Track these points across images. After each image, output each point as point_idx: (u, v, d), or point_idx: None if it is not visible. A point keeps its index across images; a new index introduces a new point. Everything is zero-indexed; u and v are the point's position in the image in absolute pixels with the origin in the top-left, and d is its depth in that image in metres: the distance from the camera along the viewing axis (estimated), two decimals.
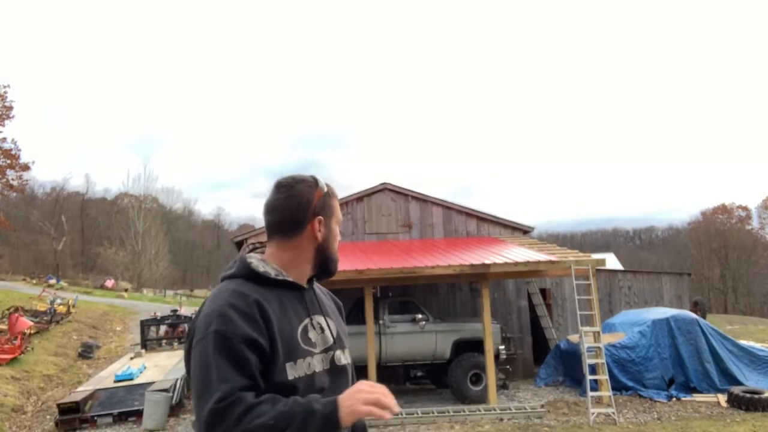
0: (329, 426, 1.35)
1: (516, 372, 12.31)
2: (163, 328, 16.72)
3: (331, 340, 1.65)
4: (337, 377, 1.64)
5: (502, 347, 10.99)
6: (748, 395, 9.25)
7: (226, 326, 1.45)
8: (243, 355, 1.43)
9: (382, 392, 1.40)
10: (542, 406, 9.57)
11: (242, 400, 1.36)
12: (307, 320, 1.62)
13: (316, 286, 1.81)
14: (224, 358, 1.42)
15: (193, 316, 1.65)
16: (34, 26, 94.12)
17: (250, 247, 1.77)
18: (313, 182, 1.71)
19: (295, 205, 1.66)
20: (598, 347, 9.44)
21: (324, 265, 1.71)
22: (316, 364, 1.58)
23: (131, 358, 13.42)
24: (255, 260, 1.65)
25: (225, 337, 1.44)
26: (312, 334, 1.61)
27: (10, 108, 30.87)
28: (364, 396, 1.38)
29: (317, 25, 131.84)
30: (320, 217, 1.68)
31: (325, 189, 1.71)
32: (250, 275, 1.62)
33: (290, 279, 1.65)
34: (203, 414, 1.37)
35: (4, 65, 75.17)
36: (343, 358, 1.69)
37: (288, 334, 1.54)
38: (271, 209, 1.69)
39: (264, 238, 1.78)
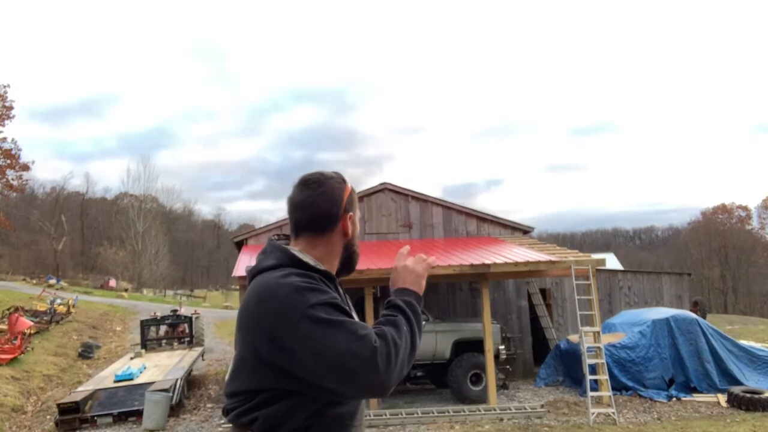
0: (420, 302, 1.64)
1: (516, 372, 12.31)
2: (163, 328, 16.73)
3: None
4: None
5: (502, 347, 11.00)
6: (748, 395, 9.25)
7: (321, 296, 1.47)
8: (347, 311, 1.51)
9: (419, 259, 1.71)
10: (542, 406, 9.57)
11: (388, 330, 1.48)
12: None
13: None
14: (342, 316, 1.46)
15: (247, 313, 1.54)
16: (34, 26, 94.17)
17: (276, 237, 1.73)
18: (341, 179, 1.72)
19: (328, 201, 1.66)
20: (598, 347, 9.44)
21: (350, 260, 1.74)
22: None
23: (131, 358, 13.42)
24: (296, 251, 1.63)
25: (328, 304, 1.46)
26: None
27: (10, 108, 30.96)
28: (419, 266, 1.69)
29: (315, 22, 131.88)
30: (350, 213, 1.70)
31: (351, 186, 1.74)
32: (296, 263, 1.59)
33: (329, 270, 1.66)
34: (370, 362, 1.37)
35: (4, 65, 75.18)
36: None
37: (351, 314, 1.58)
38: (300, 206, 1.66)
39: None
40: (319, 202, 1.65)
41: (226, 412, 1.62)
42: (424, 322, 8.11)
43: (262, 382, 1.49)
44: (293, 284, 1.47)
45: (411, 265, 1.69)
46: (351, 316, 1.49)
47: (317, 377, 1.41)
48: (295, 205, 1.67)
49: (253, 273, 1.62)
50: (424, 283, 1.68)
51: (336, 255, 1.69)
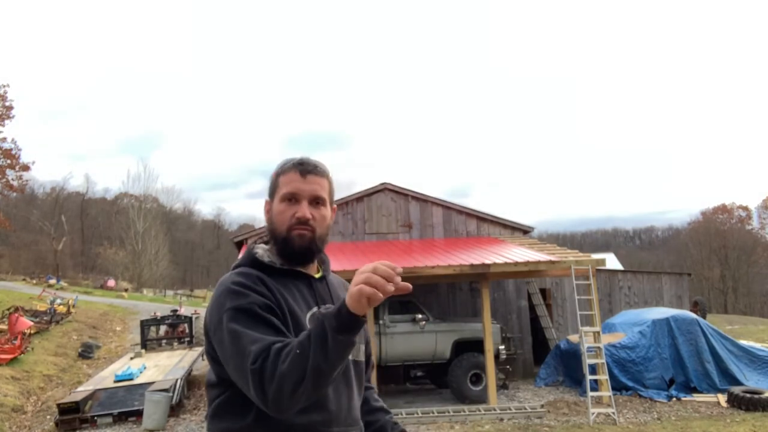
0: (343, 320, 1.28)
1: (516, 372, 12.30)
2: (163, 328, 16.72)
3: None
4: (347, 372, 1.61)
5: (502, 347, 10.99)
6: (748, 395, 9.25)
7: (239, 300, 1.46)
8: (263, 317, 1.44)
9: (375, 267, 1.29)
10: (542, 406, 9.56)
11: (273, 350, 1.34)
12: (315, 309, 1.59)
13: (334, 277, 1.79)
14: (247, 325, 1.41)
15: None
16: (34, 26, 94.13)
17: (257, 240, 1.75)
18: (278, 165, 1.69)
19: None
20: (598, 347, 9.44)
21: (279, 247, 1.62)
22: None
23: (131, 358, 13.42)
24: (261, 250, 1.65)
25: (241, 310, 1.44)
26: None
27: (10, 108, 30.90)
28: (358, 278, 1.28)
29: (315, 26, 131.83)
30: (267, 199, 1.68)
31: (279, 169, 1.65)
32: (254, 263, 1.61)
33: (295, 268, 1.63)
34: (249, 382, 1.34)
35: (4, 65, 75.18)
36: (354, 354, 1.65)
37: (297, 315, 1.53)
38: None
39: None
40: None
41: None
42: (423, 322, 8.02)
43: (214, 374, 1.56)
44: (225, 286, 1.52)
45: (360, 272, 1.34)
46: (265, 321, 1.42)
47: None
48: None
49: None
50: (357, 299, 1.27)
51: (272, 242, 1.65)
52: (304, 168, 1.62)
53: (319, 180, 1.63)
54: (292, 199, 1.60)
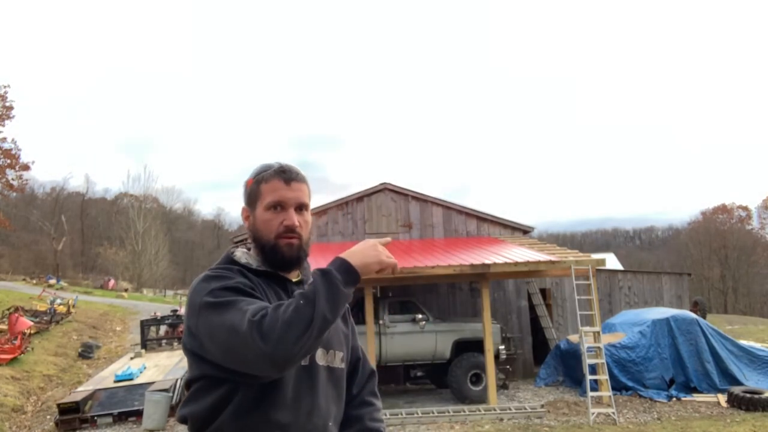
0: (351, 275, 1.40)
1: (516, 372, 12.31)
2: (163, 328, 16.73)
3: None
4: (313, 376, 1.57)
5: (502, 347, 10.99)
6: (748, 395, 9.25)
7: (223, 282, 1.48)
8: (251, 293, 1.46)
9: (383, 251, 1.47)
10: (542, 406, 9.57)
11: (271, 307, 1.35)
12: None
13: None
14: (236, 296, 1.43)
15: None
16: (34, 26, 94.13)
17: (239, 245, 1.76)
18: (253, 173, 1.69)
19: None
20: (598, 347, 9.44)
21: (266, 255, 1.62)
22: None
23: (131, 358, 13.42)
24: (239, 252, 1.66)
25: (227, 288, 1.46)
26: None
27: (11, 108, 30.85)
28: (372, 251, 1.46)
29: (314, 26, 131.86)
30: (244, 206, 1.69)
31: (259, 176, 1.66)
32: (227, 261, 1.63)
33: (270, 270, 1.62)
34: (248, 337, 1.30)
35: (4, 65, 75.20)
36: (324, 359, 1.61)
37: None
38: None
39: None
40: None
41: None
42: (423, 322, 8.01)
43: (193, 371, 1.55)
44: (202, 276, 1.54)
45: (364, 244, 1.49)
46: (247, 293, 1.45)
47: (217, 358, 1.43)
48: None
49: None
50: (367, 258, 1.44)
51: (257, 249, 1.65)
52: (288, 176, 1.63)
53: (302, 186, 1.65)
54: (278, 207, 1.61)
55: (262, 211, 1.62)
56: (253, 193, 1.65)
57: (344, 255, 1.44)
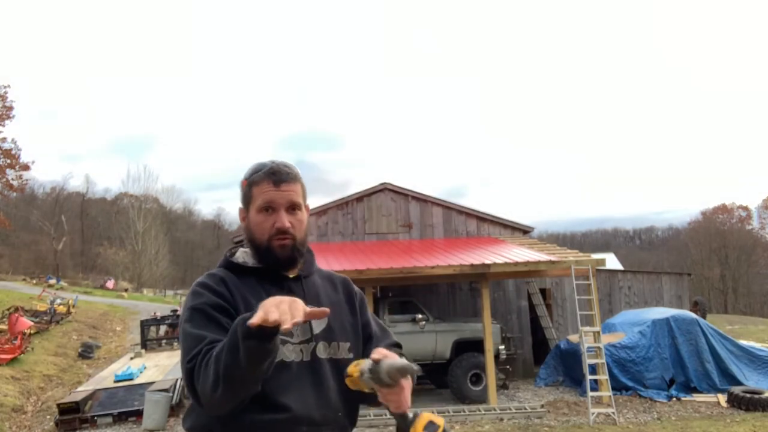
0: (247, 328, 1.22)
1: (516, 372, 12.31)
2: (163, 328, 16.74)
3: (309, 333, 1.61)
4: (317, 370, 1.59)
5: (502, 347, 10.99)
6: (748, 395, 9.25)
7: (195, 300, 1.54)
8: (212, 316, 1.49)
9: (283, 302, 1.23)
10: (542, 406, 9.57)
11: (204, 351, 1.39)
12: None
13: (322, 277, 1.79)
14: (196, 325, 1.48)
15: None
16: (33, 26, 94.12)
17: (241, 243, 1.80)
18: (247, 173, 1.70)
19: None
20: (598, 347, 9.44)
21: (261, 256, 1.64)
22: (289, 353, 1.55)
23: (131, 358, 13.42)
24: (239, 252, 1.71)
25: (195, 309, 1.52)
26: None
27: (11, 108, 30.88)
28: (268, 303, 1.23)
29: (313, 26, 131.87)
30: (240, 207, 1.71)
31: (251, 177, 1.66)
32: (228, 265, 1.68)
33: (250, 263, 1.67)
34: (185, 380, 1.43)
35: (4, 65, 75.17)
36: (326, 351, 1.62)
37: None
38: None
39: None
40: None
41: None
42: (423, 322, 8.04)
43: None
44: (195, 283, 1.61)
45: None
46: (211, 320, 1.48)
47: None
48: None
49: None
50: (260, 317, 1.21)
51: (252, 250, 1.67)
52: (278, 177, 1.62)
53: (293, 186, 1.64)
54: (269, 209, 1.62)
55: (254, 214, 1.64)
56: (246, 195, 1.67)
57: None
